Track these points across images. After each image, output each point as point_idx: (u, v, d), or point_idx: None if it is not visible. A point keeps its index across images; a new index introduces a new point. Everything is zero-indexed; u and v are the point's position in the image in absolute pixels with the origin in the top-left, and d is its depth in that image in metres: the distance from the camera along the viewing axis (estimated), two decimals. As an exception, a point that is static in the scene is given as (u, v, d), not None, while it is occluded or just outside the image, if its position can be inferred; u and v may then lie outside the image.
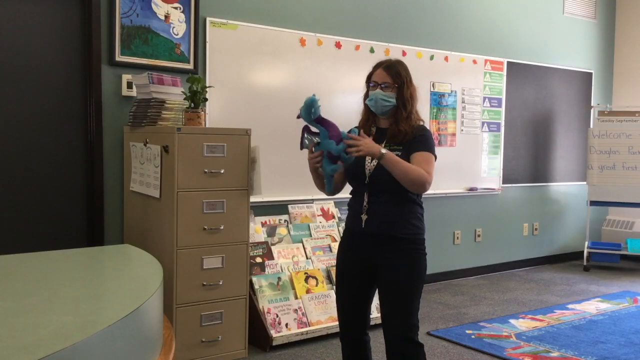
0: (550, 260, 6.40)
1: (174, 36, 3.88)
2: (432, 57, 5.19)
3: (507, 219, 5.94)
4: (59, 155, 3.61)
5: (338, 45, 4.61)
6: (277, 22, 4.32)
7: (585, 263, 6.14)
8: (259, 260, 3.82)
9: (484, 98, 5.62)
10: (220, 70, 4.06)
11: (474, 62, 5.51)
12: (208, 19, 4.01)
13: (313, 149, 2.32)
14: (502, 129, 5.80)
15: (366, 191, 2.38)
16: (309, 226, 4.22)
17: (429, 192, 5.41)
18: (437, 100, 5.26)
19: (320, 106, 2.24)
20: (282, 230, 4.10)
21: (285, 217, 4.22)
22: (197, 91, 3.35)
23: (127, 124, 3.63)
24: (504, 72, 5.77)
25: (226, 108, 4.09)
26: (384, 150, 2.25)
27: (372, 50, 4.80)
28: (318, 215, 4.36)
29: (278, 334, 3.60)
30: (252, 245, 3.80)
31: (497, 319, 4.33)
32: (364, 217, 2.38)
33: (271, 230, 4.06)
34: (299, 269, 3.94)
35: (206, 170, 3.27)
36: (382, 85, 2.39)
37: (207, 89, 3.50)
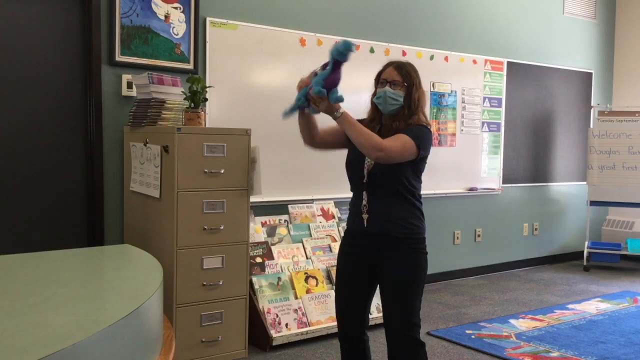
0: (550, 260, 6.40)
1: (174, 36, 3.88)
2: (432, 57, 5.19)
3: (507, 219, 5.94)
4: (59, 155, 3.61)
5: (338, 45, 4.60)
6: (277, 22, 4.32)
7: (585, 263, 6.14)
8: (259, 260, 3.82)
9: (484, 98, 5.62)
10: (220, 70, 4.06)
11: (474, 62, 5.51)
12: (208, 19, 4.01)
13: (312, 75, 2.32)
14: (502, 129, 5.80)
15: (365, 190, 2.38)
16: (309, 226, 4.22)
17: (429, 192, 5.44)
18: (437, 100, 5.26)
19: (349, 56, 2.20)
20: (282, 230, 4.10)
21: (285, 217, 4.22)
22: (197, 91, 3.35)
23: (127, 124, 3.63)
24: (504, 72, 5.77)
25: (226, 108, 4.09)
26: (342, 110, 2.26)
27: (372, 50, 4.80)
28: (318, 215, 4.36)
29: (278, 334, 3.60)
30: (252, 245, 3.80)
31: (497, 319, 4.33)
32: (364, 216, 2.37)
33: (271, 230, 4.06)
34: (299, 269, 3.94)
35: (206, 170, 3.27)
36: (391, 83, 2.39)
37: (207, 89, 3.50)
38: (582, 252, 6.36)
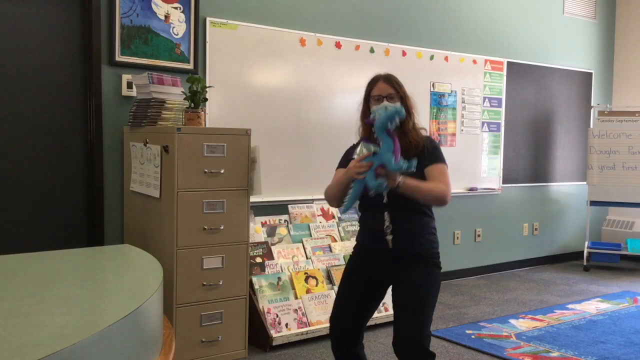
0: (550, 260, 6.39)
1: (174, 36, 3.88)
2: (432, 57, 5.19)
3: (507, 219, 5.94)
4: (59, 155, 3.61)
5: (338, 45, 4.61)
6: (277, 22, 4.32)
7: (585, 263, 6.14)
8: (259, 260, 3.82)
9: (484, 98, 5.62)
10: (220, 70, 4.06)
11: (474, 62, 5.51)
12: (208, 19, 4.01)
13: (365, 157, 2.19)
14: (502, 129, 5.80)
15: (386, 210, 2.36)
16: (309, 226, 4.22)
17: (429, 192, 5.38)
18: (437, 100, 5.26)
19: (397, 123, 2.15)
20: (282, 230, 4.10)
21: (285, 217, 4.22)
22: (197, 91, 3.35)
23: (127, 124, 3.63)
24: (504, 72, 5.77)
25: (226, 108, 4.09)
26: (400, 179, 2.21)
27: (372, 50, 4.80)
28: (318, 215, 4.36)
29: (278, 334, 3.60)
30: (252, 245, 3.80)
31: (497, 319, 4.33)
32: (389, 237, 2.35)
33: (271, 230, 4.06)
34: (299, 269, 3.94)
35: (206, 170, 3.27)
36: (388, 97, 2.38)
37: (207, 89, 3.50)
38: (582, 252, 6.36)
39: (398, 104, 2.19)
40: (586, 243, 6.19)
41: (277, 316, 3.66)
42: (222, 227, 3.33)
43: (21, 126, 3.49)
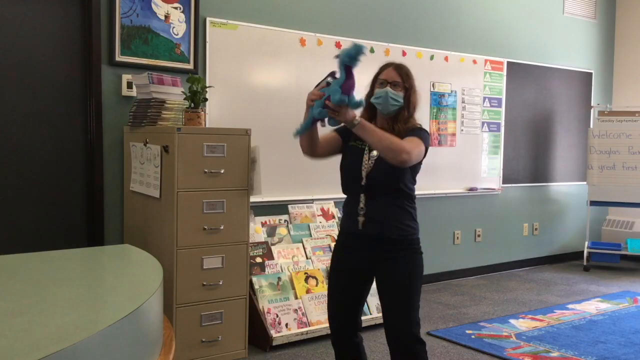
0: (550, 260, 6.40)
1: (174, 36, 3.88)
2: (432, 57, 5.19)
3: (507, 219, 5.94)
4: (59, 155, 3.61)
5: (338, 45, 4.61)
6: (277, 22, 4.32)
7: (585, 263, 6.14)
8: (259, 260, 3.82)
9: (484, 98, 5.62)
10: (220, 70, 4.06)
11: (474, 62, 5.51)
12: (208, 19, 4.01)
13: (323, 85, 2.24)
14: (502, 129, 5.80)
15: (362, 193, 2.37)
16: (309, 226, 4.22)
17: (429, 192, 5.44)
18: (437, 100, 5.26)
19: (360, 61, 2.14)
20: (282, 230, 4.10)
21: (285, 217, 4.22)
22: (197, 91, 3.35)
23: (127, 124, 3.63)
24: (504, 72, 5.77)
25: (226, 108, 4.09)
26: (357, 120, 2.22)
27: (372, 50, 4.80)
28: (318, 215, 4.36)
29: (278, 334, 3.60)
30: (252, 245, 3.80)
31: (497, 319, 4.33)
32: (360, 219, 2.36)
33: (271, 230, 4.06)
34: (299, 269, 3.94)
35: (206, 170, 3.27)
36: (392, 84, 2.39)
37: (207, 89, 3.50)
38: (582, 252, 6.36)
39: (357, 44, 2.12)
40: (586, 243, 6.19)
41: (277, 316, 3.66)
42: (222, 227, 3.33)
43: (21, 126, 3.49)
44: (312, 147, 2.43)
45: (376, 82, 2.45)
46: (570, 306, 4.74)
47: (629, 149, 5.98)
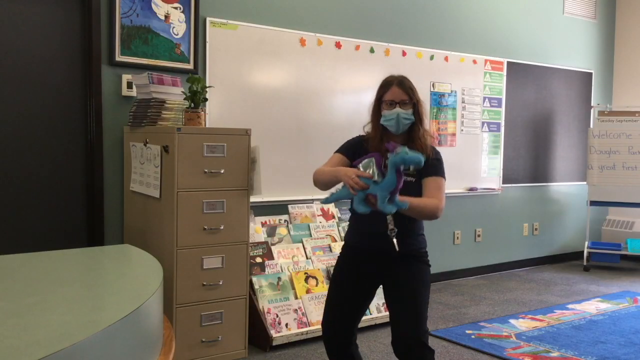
0: (550, 260, 6.39)
1: (174, 36, 3.88)
2: (432, 57, 5.19)
3: (507, 219, 5.94)
4: (59, 155, 3.61)
5: (338, 45, 4.61)
6: (277, 22, 4.32)
7: (585, 263, 6.14)
8: (259, 260, 3.82)
9: (484, 98, 5.62)
10: (220, 70, 4.06)
11: (474, 62, 5.51)
12: (208, 19, 4.01)
13: (368, 179, 2.14)
14: (502, 129, 5.80)
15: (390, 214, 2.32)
16: (309, 226, 4.22)
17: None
18: (437, 100, 5.26)
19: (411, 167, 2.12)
20: (282, 230, 4.10)
21: (285, 217, 4.22)
22: (197, 91, 3.35)
23: (127, 124, 3.63)
24: (504, 72, 5.77)
25: (226, 108, 4.09)
26: (407, 203, 2.19)
27: (372, 50, 4.80)
28: (318, 215, 4.36)
29: (278, 334, 3.60)
30: (252, 245, 3.80)
31: (497, 319, 4.33)
32: (395, 240, 2.29)
33: (271, 230, 4.06)
34: (299, 269, 3.94)
35: (206, 170, 3.27)
36: (401, 104, 2.36)
37: (207, 89, 3.50)
38: (582, 252, 6.36)
39: (420, 156, 2.09)
40: (586, 243, 6.19)
41: (277, 316, 3.66)
42: (222, 227, 3.33)
43: (21, 126, 3.49)
44: (328, 187, 2.41)
45: (382, 102, 2.40)
46: (570, 306, 4.74)
47: (629, 149, 5.98)
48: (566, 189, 6.46)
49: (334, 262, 4.05)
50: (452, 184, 5.41)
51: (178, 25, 3.88)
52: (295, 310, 3.74)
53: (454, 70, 5.35)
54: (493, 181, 5.74)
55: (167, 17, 3.83)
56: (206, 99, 3.47)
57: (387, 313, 4.01)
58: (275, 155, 4.27)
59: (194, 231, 3.25)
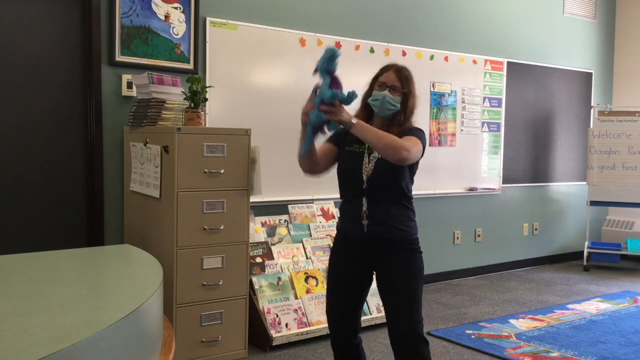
0: (550, 260, 6.40)
1: (174, 36, 3.88)
2: (432, 57, 5.19)
3: (507, 219, 5.94)
4: (59, 155, 3.61)
5: (338, 45, 4.61)
6: (277, 22, 4.32)
7: (585, 263, 6.14)
8: (259, 260, 3.82)
9: (484, 98, 5.62)
10: (220, 70, 4.06)
11: (474, 62, 5.51)
12: (208, 19, 4.01)
13: (312, 97, 2.23)
14: (502, 129, 5.80)
15: (364, 196, 2.37)
16: (309, 226, 4.22)
17: (429, 192, 5.43)
18: (437, 100, 5.26)
19: (338, 63, 2.15)
20: (282, 230, 4.10)
21: (285, 217, 4.22)
22: (197, 91, 3.35)
23: (127, 124, 3.63)
24: (504, 72, 5.77)
25: (226, 108, 4.09)
26: (354, 120, 2.23)
27: (372, 50, 4.80)
28: (318, 215, 4.36)
29: (278, 334, 3.60)
30: (252, 245, 3.80)
31: (497, 319, 4.33)
32: (364, 222, 2.36)
33: (271, 230, 4.06)
34: (299, 269, 3.94)
35: (206, 170, 3.27)
36: (391, 88, 2.38)
37: (207, 89, 3.50)
38: (582, 252, 6.36)
39: (337, 48, 2.15)
40: (586, 243, 6.19)
41: (277, 316, 3.66)
42: (222, 227, 3.33)
43: (21, 126, 3.49)
44: (312, 165, 2.42)
45: (375, 83, 2.44)
46: (570, 306, 4.74)
47: (629, 149, 5.98)
48: (566, 189, 6.47)
49: (334, 262, 4.09)
50: (452, 184, 5.41)
51: (178, 25, 3.88)
52: (295, 310, 3.74)
53: (454, 70, 5.35)
54: (493, 181, 5.74)
55: (167, 17, 3.83)
56: (206, 99, 3.47)
57: (387, 313, 4.02)
58: (275, 155, 4.27)
59: (194, 231, 3.25)
